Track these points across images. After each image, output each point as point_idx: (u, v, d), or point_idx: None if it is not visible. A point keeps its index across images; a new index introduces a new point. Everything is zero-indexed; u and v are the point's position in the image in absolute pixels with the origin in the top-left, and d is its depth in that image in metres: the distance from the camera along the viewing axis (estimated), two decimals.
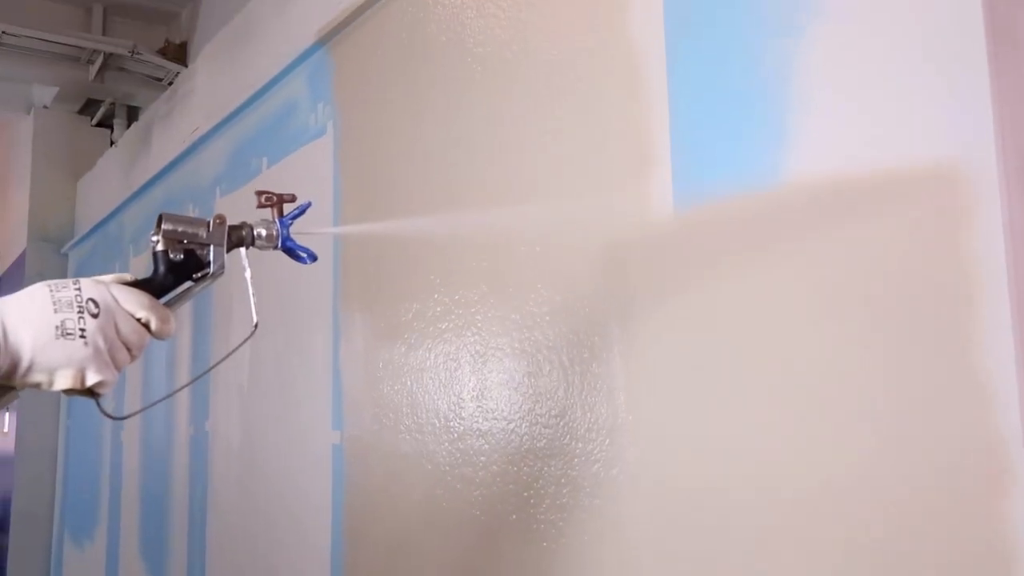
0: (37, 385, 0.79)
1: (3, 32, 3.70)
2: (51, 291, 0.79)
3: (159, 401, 1.04)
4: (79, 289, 0.80)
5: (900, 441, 0.95)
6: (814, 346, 1.05)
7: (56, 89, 4.21)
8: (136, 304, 0.85)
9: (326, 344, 2.12)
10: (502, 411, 1.54)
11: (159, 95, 3.79)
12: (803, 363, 1.06)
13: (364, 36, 2.07)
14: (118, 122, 4.45)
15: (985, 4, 0.91)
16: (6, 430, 4.48)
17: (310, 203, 1.08)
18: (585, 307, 1.39)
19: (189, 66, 3.68)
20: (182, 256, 0.94)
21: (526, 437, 1.48)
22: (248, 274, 1.01)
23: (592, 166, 1.39)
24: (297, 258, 1.06)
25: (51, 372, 0.78)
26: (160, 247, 0.93)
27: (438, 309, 1.72)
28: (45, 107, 4.42)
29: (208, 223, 0.96)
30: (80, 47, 3.94)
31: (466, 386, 1.64)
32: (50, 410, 4.34)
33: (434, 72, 1.80)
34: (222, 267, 0.97)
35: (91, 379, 0.80)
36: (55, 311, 0.77)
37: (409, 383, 1.79)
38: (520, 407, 1.50)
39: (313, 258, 1.07)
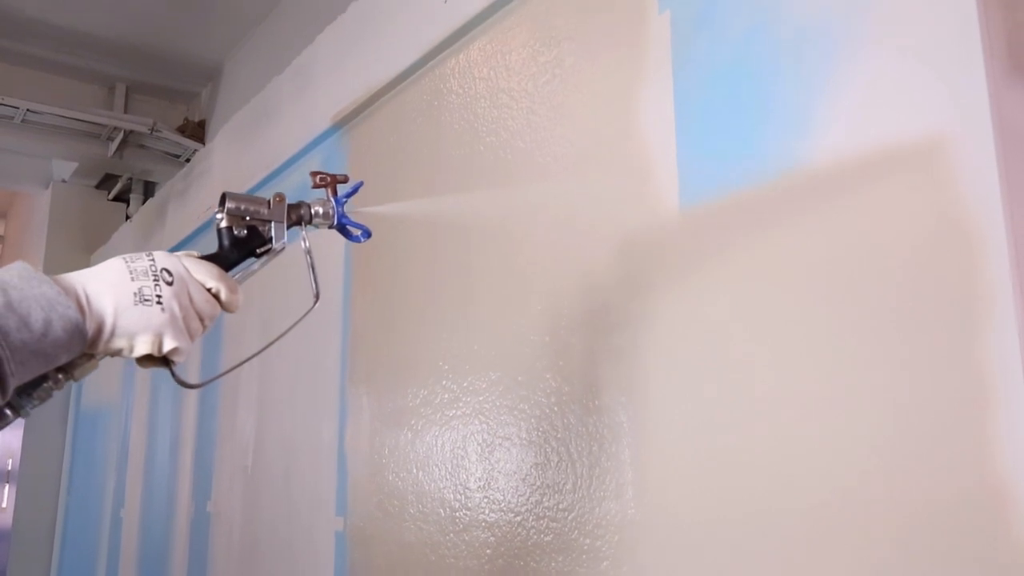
0: (119, 351, 0.80)
1: (28, 110, 3.79)
2: (126, 262, 0.81)
3: (229, 371, 1.07)
4: (153, 260, 0.82)
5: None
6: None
7: (75, 164, 4.28)
8: (207, 274, 0.87)
9: (332, 426, 2.10)
10: (509, 503, 1.51)
11: (176, 171, 3.85)
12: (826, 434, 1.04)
13: (379, 121, 2.11)
14: (134, 197, 4.51)
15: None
16: (3, 505, 4.42)
17: (362, 182, 1.12)
18: (593, 398, 1.37)
19: (207, 144, 3.75)
20: (245, 232, 0.96)
21: (533, 531, 1.45)
22: (307, 246, 1.03)
23: (601, 264, 1.39)
24: (350, 236, 1.09)
25: (131, 337, 0.79)
26: (224, 223, 0.95)
27: (446, 396, 1.70)
28: (63, 181, 4.49)
29: (268, 201, 0.99)
30: (101, 124, 4.02)
31: (472, 475, 1.61)
32: (50, 486, 4.29)
33: (446, 158, 1.82)
34: (283, 243, 0.99)
35: (168, 344, 0.81)
36: (132, 279, 0.79)
37: (415, 471, 1.76)
38: (527, 499, 1.47)
39: (368, 235, 1.09)
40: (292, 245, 1.03)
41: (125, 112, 4.30)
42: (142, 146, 4.18)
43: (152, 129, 4.01)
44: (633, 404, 1.30)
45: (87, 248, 4.51)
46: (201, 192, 3.29)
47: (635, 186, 1.34)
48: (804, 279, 1.08)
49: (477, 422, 1.61)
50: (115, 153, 4.12)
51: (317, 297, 1.07)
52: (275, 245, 0.99)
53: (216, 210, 0.97)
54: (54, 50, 4.02)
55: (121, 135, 4.05)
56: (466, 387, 1.65)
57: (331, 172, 1.09)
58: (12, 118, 3.83)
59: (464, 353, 1.67)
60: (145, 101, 4.45)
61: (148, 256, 0.83)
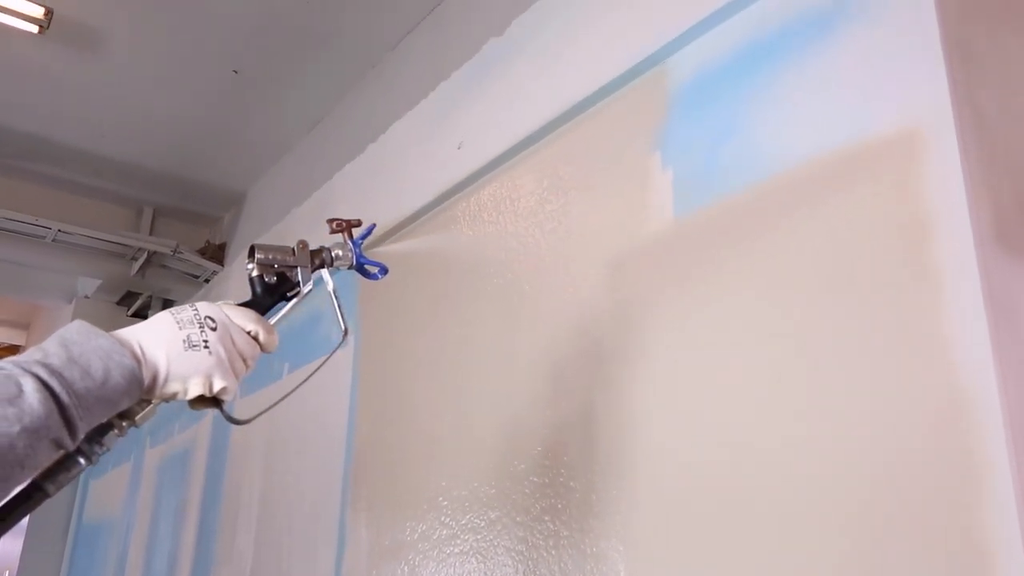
0: (174, 395, 0.84)
1: (59, 230, 3.87)
2: (173, 314, 0.86)
3: (272, 406, 1.08)
4: (196, 309, 0.88)
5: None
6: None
7: (100, 281, 4.33)
8: (245, 319, 0.91)
9: (329, 555, 2.03)
10: None
11: (195, 291, 3.88)
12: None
13: (391, 257, 2.13)
14: (153, 313, 4.54)
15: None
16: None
17: (374, 224, 1.16)
18: (591, 544, 1.32)
19: (225, 267, 3.80)
20: (275, 279, 1.01)
21: None
22: (331, 287, 1.08)
23: (600, 410, 1.37)
24: (368, 275, 1.13)
25: (184, 380, 0.83)
26: (255, 273, 1.01)
27: (444, 532, 1.65)
28: (87, 297, 4.53)
29: (293, 248, 1.04)
30: (127, 245, 4.09)
31: None
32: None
33: (453, 295, 1.83)
34: (310, 286, 1.03)
35: (217, 385, 0.85)
36: (179, 328, 0.84)
37: None
38: None
39: (384, 272, 1.14)
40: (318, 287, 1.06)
41: (151, 234, 4.38)
42: (164, 266, 4.23)
43: (175, 251, 4.08)
44: (630, 553, 1.25)
45: None
46: None
47: (635, 336, 1.34)
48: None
49: (474, 561, 1.56)
50: (138, 272, 4.18)
51: (346, 332, 1.10)
52: (303, 288, 1.03)
53: (247, 262, 1.01)
54: (88, 175, 4.14)
55: (145, 255, 4.12)
56: (464, 524, 1.60)
57: (345, 218, 1.13)
58: (44, 237, 3.91)
59: (464, 490, 1.63)
60: (170, 223, 4.55)
61: (192, 307, 0.88)
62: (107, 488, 4.02)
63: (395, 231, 2.10)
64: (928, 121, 1.00)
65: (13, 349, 6.15)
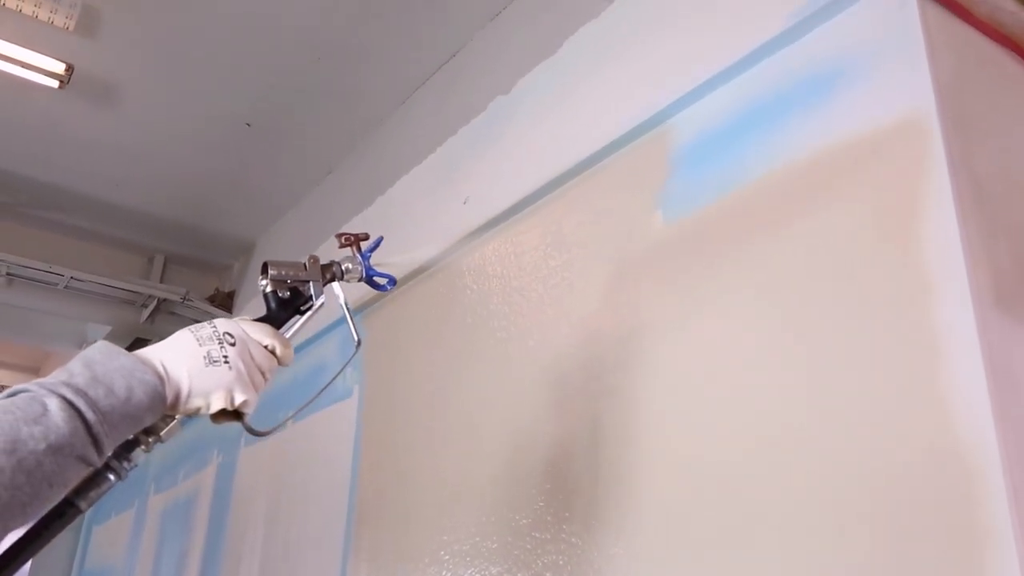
0: (196, 410, 0.85)
1: (72, 277, 3.88)
2: (192, 332, 0.87)
3: (292, 416, 1.08)
4: (215, 326, 0.89)
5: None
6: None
7: (109, 328, 4.32)
8: (262, 333, 0.92)
9: None
10: None
11: None
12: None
13: (396, 310, 2.13)
14: None
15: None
16: None
17: (382, 237, 1.18)
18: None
19: (234, 314, 3.80)
20: (288, 294, 1.02)
21: None
22: (343, 300, 1.10)
23: (605, 467, 1.35)
24: (377, 286, 1.14)
25: (207, 396, 0.84)
26: (269, 288, 1.02)
27: None
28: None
29: (304, 264, 1.05)
30: (138, 292, 4.09)
31: None
32: None
33: (458, 350, 1.82)
34: (323, 299, 1.04)
35: (239, 398, 0.86)
36: (199, 345, 0.85)
37: None
38: None
39: (392, 283, 1.15)
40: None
41: (161, 281, 4.38)
42: (173, 313, 4.23)
43: (184, 298, 4.08)
44: None
45: None
46: None
47: (643, 395, 1.33)
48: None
49: None
50: (147, 319, 4.17)
51: (359, 343, 1.12)
52: (315, 302, 1.04)
53: (260, 278, 1.03)
54: (101, 223, 4.15)
55: (155, 303, 4.12)
56: None
57: (353, 232, 1.15)
58: (57, 284, 3.91)
59: (466, 544, 1.60)
60: (180, 271, 4.55)
61: (210, 324, 0.89)
62: (109, 534, 3.97)
63: (401, 284, 2.10)
64: (925, 188, 1.00)
65: None
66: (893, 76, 1.09)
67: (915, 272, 0.99)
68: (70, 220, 4.12)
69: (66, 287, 3.91)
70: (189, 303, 4.10)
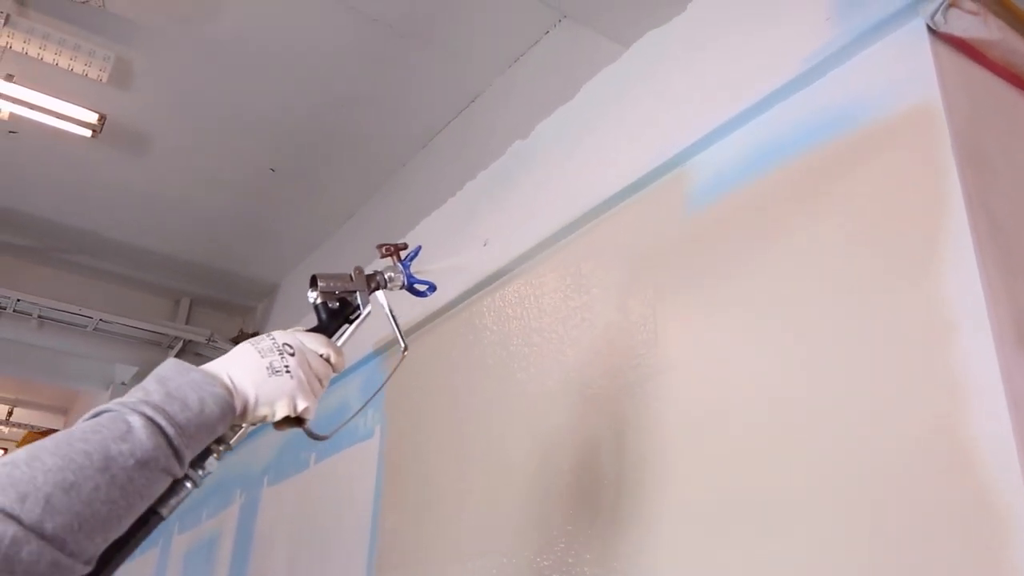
0: (263, 419, 0.89)
1: (100, 319, 3.93)
2: (253, 344, 0.90)
3: (350, 419, 1.10)
4: (273, 339, 0.92)
5: None
6: None
7: (136, 368, 4.36)
8: (318, 343, 0.95)
9: None
10: None
11: None
12: None
13: (416, 351, 2.13)
14: None
15: None
16: None
17: (420, 246, 1.20)
18: None
19: None
20: (338, 304, 1.04)
21: None
22: (387, 308, 1.12)
23: (628, 509, 1.33)
24: (418, 293, 1.16)
25: (272, 404, 0.88)
26: (319, 300, 1.04)
27: None
28: (123, 384, 4.56)
29: (350, 275, 1.08)
30: (164, 334, 4.14)
31: None
32: None
33: (478, 390, 1.81)
34: (369, 308, 1.07)
35: (301, 405, 0.90)
36: (261, 356, 0.88)
37: None
38: None
39: (433, 289, 1.17)
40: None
41: (187, 323, 4.43)
42: (198, 354, 4.26)
43: (209, 339, 4.12)
44: None
45: None
46: None
47: (661, 432, 1.31)
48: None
49: None
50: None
51: (405, 348, 1.14)
52: (363, 311, 1.06)
53: (309, 291, 1.05)
54: (130, 267, 4.22)
55: (181, 344, 4.16)
56: None
57: (392, 243, 1.18)
58: (86, 326, 3.97)
59: None
60: (206, 313, 4.60)
61: (269, 337, 0.92)
62: (132, 574, 3.95)
63: (423, 324, 2.10)
64: (944, 227, 0.99)
65: (51, 433, 6.18)
66: (909, 118, 1.09)
67: (936, 311, 0.98)
68: (100, 264, 4.18)
69: (95, 329, 3.96)
70: (214, 344, 4.13)
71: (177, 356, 4.16)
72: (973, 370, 0.92)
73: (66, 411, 6.23)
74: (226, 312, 4.63)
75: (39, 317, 3.86)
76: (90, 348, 4.06)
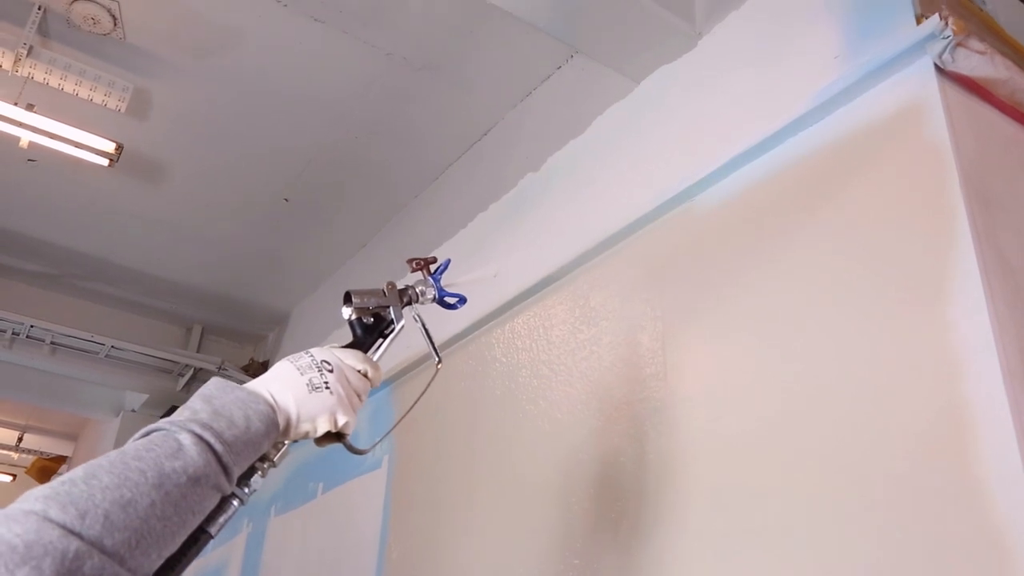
0: (305, 435, 0.90)
1: (112, 346, 3.94)
2: (291, 362, 0.91)
3: (391, 430, 1.12)
4: (312, 356, 0.93)
5: None
6: None
7: (147, 396, 4.36)
8: (355, 359, 0.96)
9: None
10: None
11: None
12: None
13: (425, 381, 2.12)
14: None
15: None
16: None
17: (449, 260, 1.19)
18: None
19: None
20: (372, 320, 1.05)
21: None
22: (420, 322, 1.13)
23: (639, 534, 1.32)
24: (449, 306, 1.16)
25: (313, 420, 0.89)
26: (354, 317, 1.05)
27: None
28: (133, 411, 4.56)
29: (383, 290, 1.08)
30: (175, 361, 4.14)
31: None
32: None
33: (486, 421, 1.81)
34: (403, 322, 1.07)
35: (341, 420, 0.91)
36: (301, 374, 0.90)
37: None
38: None
39: (463, 302, 1.17)
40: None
41: (198, 350, 4.43)
42: None
43: (220, 367, 4.11)
44: None
45: None
46: None
47: (671, 466, 1.30)
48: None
49: None
50: (183, 387, 4.21)
51: (439, 361, 1.15)
52: (397, 325, 1.07)
53: (343, 307, 1.06)
54: (143, 294, 4.23)
55: (191, 371, 4.16)
56: None
57: (422, 257, 1.17)
58: (98, 353, 3.97)
59: None
60: (217, 341, 4.61)
61: (307, 354, 0.93)
62: None
63: (428, 356, 2.09)
64: (953, 264, 0.99)
65: (61, 460, 6.17)
66: (916, 156, 1.09)
67: (944, 346, 0.97)
68: (113, 291, 4.20)
69: (107, 356, 3.97)
70: (225, 372, 4.13)
71: (188, 384, 4.18)
72: (982, 404, 0.91)
73: (76, 437, 6.23)
74: (237, 341, 4.64)
75: (52, 343, 3.87)
76: (102, 375, 4.07)
